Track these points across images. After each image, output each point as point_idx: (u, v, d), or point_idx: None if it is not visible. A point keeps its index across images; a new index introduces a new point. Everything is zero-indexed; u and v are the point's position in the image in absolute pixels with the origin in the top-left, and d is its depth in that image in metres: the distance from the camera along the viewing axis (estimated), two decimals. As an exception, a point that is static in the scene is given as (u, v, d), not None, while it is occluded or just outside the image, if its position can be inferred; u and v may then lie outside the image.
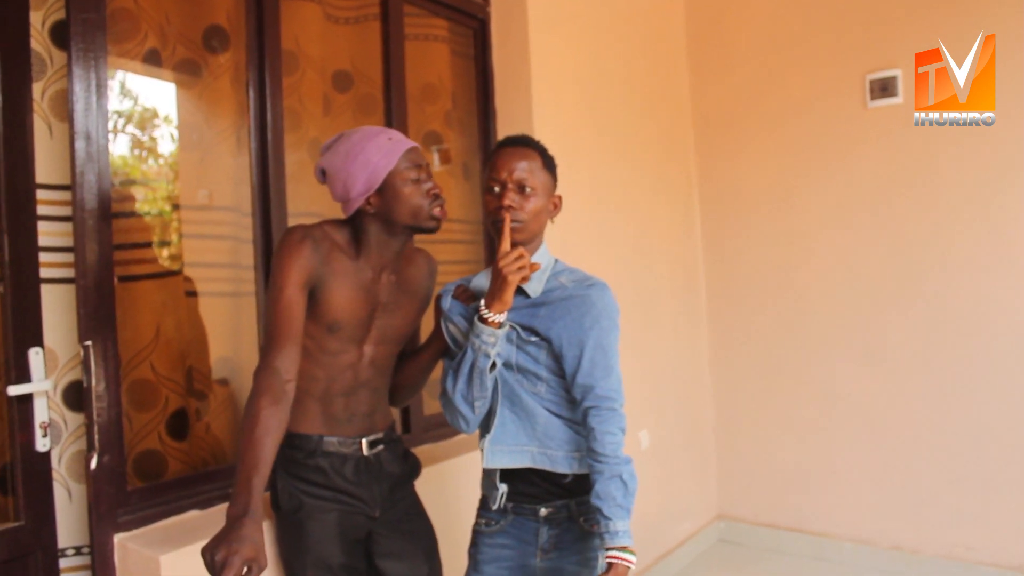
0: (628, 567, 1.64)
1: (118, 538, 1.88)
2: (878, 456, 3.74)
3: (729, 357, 4.27)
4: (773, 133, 4.04)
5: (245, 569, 1.42)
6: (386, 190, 1.77)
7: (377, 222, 1.82)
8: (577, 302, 1.74)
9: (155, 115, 2.22)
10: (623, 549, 1.64)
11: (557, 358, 1.74)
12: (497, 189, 1.76)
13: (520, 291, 1.77)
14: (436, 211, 1.83)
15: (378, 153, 1.76)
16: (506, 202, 1.72)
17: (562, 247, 3.06)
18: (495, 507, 1.83)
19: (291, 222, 2.36)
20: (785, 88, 3.99)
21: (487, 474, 1.85)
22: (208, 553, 1.43)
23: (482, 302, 1.72)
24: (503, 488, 1.80)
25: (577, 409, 1.75)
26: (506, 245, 1.70)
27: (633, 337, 3.58)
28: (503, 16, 3.20)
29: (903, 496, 3.67)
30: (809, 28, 3.91)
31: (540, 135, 3.09)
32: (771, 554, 4.01)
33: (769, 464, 4.10)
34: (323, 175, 1.84)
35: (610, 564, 1.63)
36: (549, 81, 3.19)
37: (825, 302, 3.89)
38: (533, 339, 1.75)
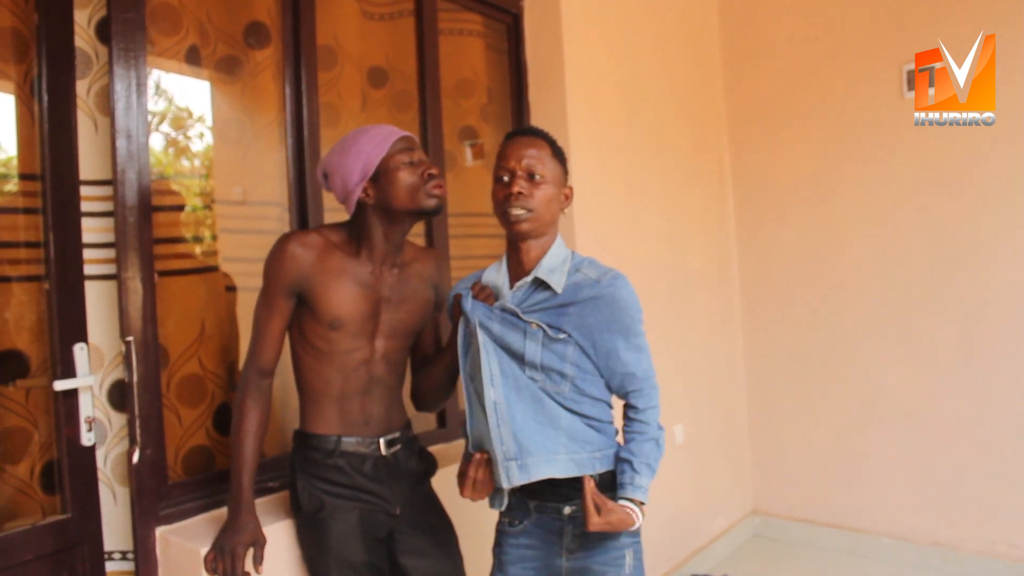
0: (635, 520, 1.66)
1: (160, 531, 1.91)
2: (916, 450, 3.68)
3: (764, 351, 4.23)
4: (807, 125, 3.99)
5: (251, 551, 1.74)
6: (381, 177, 1.81)
7: (378, 213, 1.84)
8: (607, 300, 1.71)
9: (194, 112, 2.24)
10: (639, 505, 1.68)
11: (584, 352, 1.72)
12: (506, 178, 1.72)
13: (545, 286, 1.74)
14: (434, 190, 1.83)
15: (370, 143, 1.81)
16: (516, 189, 1.69)
17: (596, 241, 3.07)
18: (499, 506, 1.82)
19: (327, 217, 2.37)
20: (820, 79, 3.93)
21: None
22: (213, 553, 1.74)
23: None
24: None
25: (619, 393, 1.78)
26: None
27: (667, 332, 3.56)
28: (536, 10, 3.19)
29: (942, 491, 3.61)
30: (844, 19, 3.85)
31: (574, 129, 3.14)
32: (807, 550, 3.97)
33: (805, 459, 4.06)
34: (325, 178, 1.90)
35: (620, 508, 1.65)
36: (583, 75, 3.18)
37: (861, 295, 3.84)
38: (561, 336, 1.71)
